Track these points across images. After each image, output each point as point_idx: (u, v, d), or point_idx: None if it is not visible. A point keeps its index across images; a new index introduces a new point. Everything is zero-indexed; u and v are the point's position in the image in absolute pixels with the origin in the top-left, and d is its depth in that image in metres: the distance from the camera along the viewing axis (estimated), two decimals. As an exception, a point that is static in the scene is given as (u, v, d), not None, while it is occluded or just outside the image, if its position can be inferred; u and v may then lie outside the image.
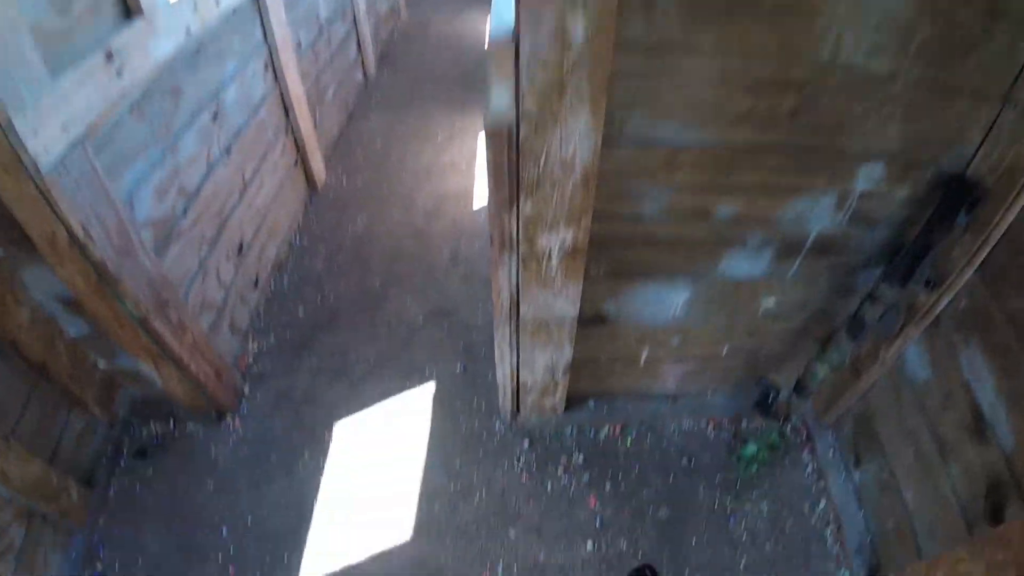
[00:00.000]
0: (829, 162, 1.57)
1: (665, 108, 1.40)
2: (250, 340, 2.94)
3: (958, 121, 1.49)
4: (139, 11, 1.92)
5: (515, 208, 1.51)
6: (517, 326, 1.99)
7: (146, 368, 2.28)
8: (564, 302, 1.87)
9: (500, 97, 1.24)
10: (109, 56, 1.76)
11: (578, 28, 1.13)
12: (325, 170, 4.08)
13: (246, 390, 2.76)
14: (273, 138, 3.30)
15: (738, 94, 1.38)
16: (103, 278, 1.81)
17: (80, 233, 1.66)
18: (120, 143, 1.91)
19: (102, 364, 2.36)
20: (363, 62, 5.04)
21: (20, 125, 1.43)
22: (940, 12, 1.25)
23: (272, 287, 3.21)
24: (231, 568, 2.28)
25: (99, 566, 2.29)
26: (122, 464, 2.55)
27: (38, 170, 1.50)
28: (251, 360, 2.89)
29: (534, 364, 2.20)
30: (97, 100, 1.72)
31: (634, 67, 1.30)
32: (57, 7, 1.63)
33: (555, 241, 1.61)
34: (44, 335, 2.05)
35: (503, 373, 2.31)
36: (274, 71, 3.26)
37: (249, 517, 2.39)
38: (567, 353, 2.15)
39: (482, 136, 4.11)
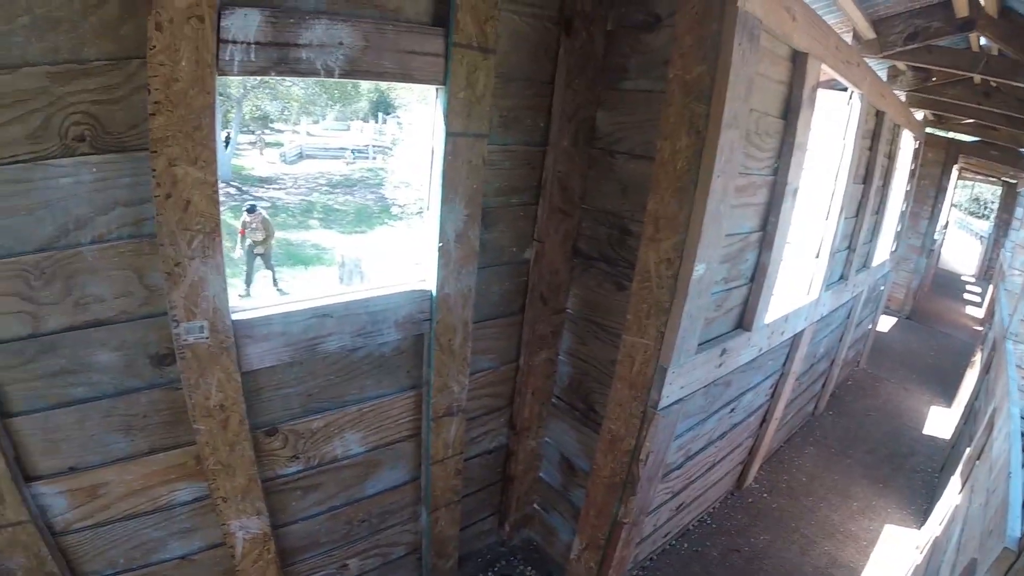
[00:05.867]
0: None
1: None
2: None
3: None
4: (749, 327, 2.52)
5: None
6: None
7: (577, 541, 2.60)
8: None
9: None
10: (723, 351, 2.34)
11: None
12: (754, 477, 4.15)
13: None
14: (745, 438, 3.58)
15: None
16: (627, 485, 2.22)
17: (643, 455, 2.12)
18: (688, 405, 2.42)
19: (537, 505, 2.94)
20: (819, 397, 5.15)
21: (669, 378, 2.00)
22: None
23: (671, 545, 3.33)
24: None
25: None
26: (494, 570, 3.00)
27: (656, 405, 2.04)
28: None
29: None
30: (702, 377, 2.27)
31: None
32: (715, 306, 2.30)
33: None
34: (529, 470, 2.77)
35: None
36: (775, 390, 3.64)
37: None
38: None
39: (888, 527, 3.59)
